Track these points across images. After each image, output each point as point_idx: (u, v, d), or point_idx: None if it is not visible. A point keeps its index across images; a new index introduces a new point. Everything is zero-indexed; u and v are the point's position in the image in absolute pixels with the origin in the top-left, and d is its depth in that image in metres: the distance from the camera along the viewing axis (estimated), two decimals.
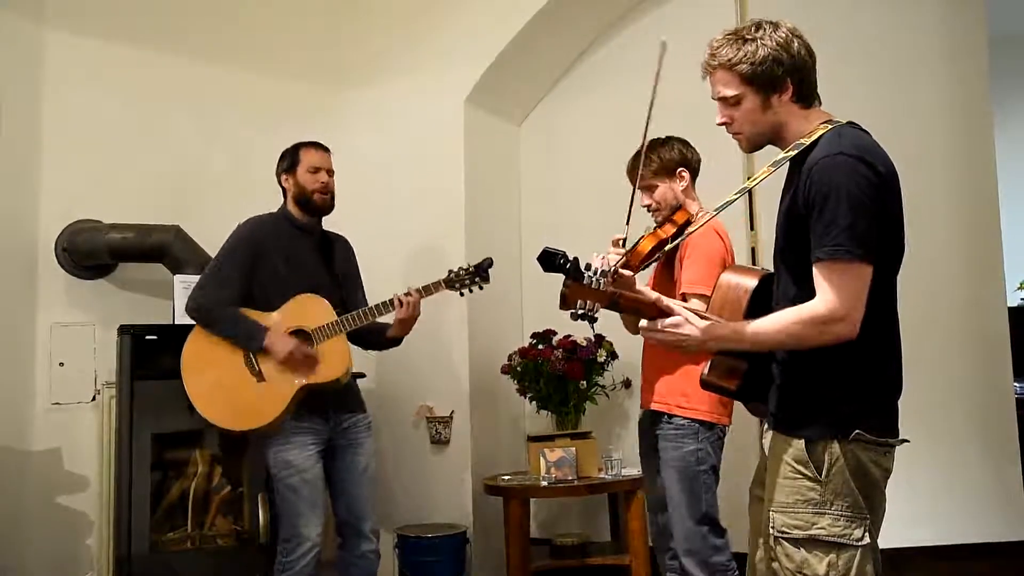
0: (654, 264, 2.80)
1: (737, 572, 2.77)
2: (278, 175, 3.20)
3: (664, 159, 2.85)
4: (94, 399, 3.63)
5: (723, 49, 1.85)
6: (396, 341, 3.24)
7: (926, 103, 3.96)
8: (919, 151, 3.73)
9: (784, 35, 1.83)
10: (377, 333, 3.22)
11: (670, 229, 2.75)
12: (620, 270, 2.43)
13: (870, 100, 3.78)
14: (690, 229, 2.50)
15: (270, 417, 2.93)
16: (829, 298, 1.68)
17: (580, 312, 1.77)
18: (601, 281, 1.76)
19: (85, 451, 3.58)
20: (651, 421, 2.87)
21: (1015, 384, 3.88)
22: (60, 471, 3.53)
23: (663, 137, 2.90)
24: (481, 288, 3.21)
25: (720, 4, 3.96)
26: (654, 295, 1.90)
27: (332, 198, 3.18)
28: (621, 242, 2.48)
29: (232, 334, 2.99)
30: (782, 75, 1.81)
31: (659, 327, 1.82)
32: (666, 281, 2.80)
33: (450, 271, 3.16)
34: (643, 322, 1.86)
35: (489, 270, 3.17)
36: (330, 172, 3.19)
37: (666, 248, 2.62)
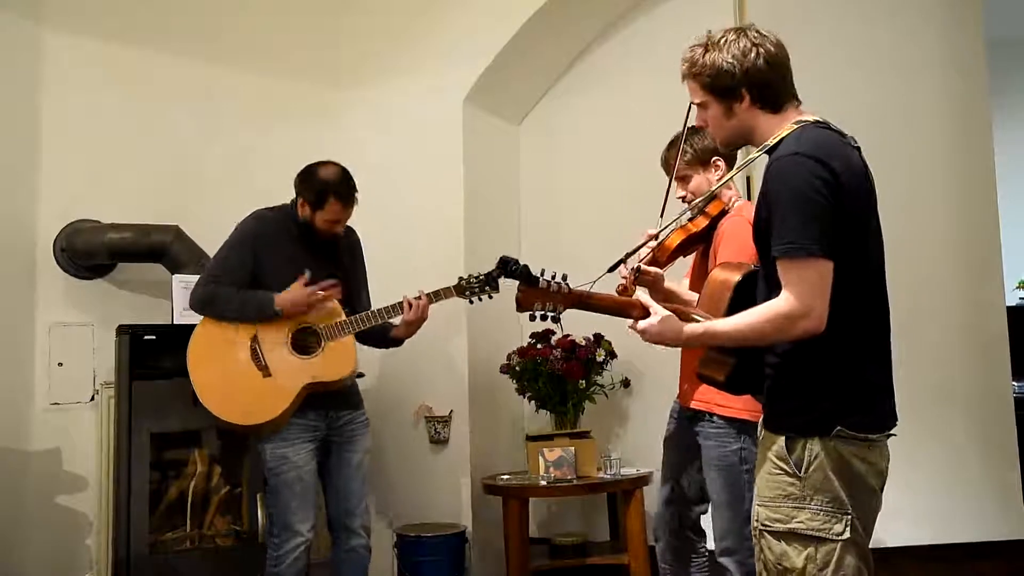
0: (691, 256, 2.76)
1: None
2: (297, 192, 3.11)
3: (698, 149, 2.75)
4: (93, 399, 3.63)
5: (689, 57, 1.91)
6: (398, 342, 3.25)
7: (925, 104, 3.96)
8: (919, 152, 3.73)
9: (743, 45, 1.84)
10: (381, 332, 3.21)
11: (702, 222, 2.67)
12: (645, 267, 2.44)
13: (870, 102, 3.79)
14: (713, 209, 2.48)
15: (274, 413, 2.92)
16: (788, 295, 1.72)
17: (540, 313, 1.89)
18: (560, 284, 1.87)
19: (84, 451, 3.58)
20: (690, 418, 2.79)
21: (1014, 383, 3.90)
22: (59, 471, 3.52)
23: (696, 126, 2.87)
24: (491, 297, 3.19)
25: (719, 4, 3.96)
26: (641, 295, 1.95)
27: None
28: (654, 236, 2.44)
29: (243, 312, 2.98)
30: (735, 86, 1.85)
31: (638, 327, 1.89)
32: (705, 273, 2.75)
33: (460, 278, 3.17)
34: (628, 322, 1.92)
35: (499, 280, 3.12)
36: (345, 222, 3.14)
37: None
